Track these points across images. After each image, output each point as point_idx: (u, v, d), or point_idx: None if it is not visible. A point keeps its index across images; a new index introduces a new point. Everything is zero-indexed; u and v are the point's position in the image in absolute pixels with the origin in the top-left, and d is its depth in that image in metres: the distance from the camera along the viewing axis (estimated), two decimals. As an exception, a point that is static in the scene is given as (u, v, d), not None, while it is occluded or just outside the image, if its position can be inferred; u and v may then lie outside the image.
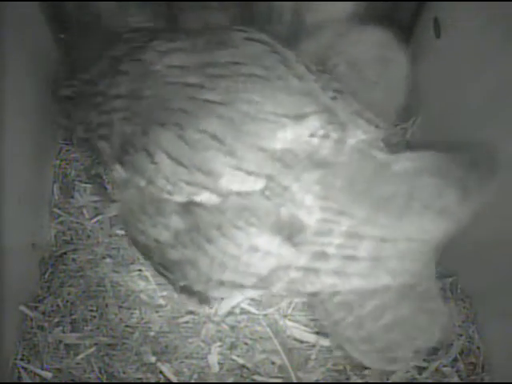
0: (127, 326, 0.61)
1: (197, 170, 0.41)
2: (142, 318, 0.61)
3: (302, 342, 0.61)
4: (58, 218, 0.68)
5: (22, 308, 0.59)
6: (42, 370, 0.57)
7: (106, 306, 0.62)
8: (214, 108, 0.42)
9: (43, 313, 0.60)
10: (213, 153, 0.41)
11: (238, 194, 0.41)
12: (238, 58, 0.45)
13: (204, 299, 0.48)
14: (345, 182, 0.42)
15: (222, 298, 0.61)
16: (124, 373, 0.58)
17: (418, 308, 0.47)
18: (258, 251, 0.43)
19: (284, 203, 0.41)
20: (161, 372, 0.58)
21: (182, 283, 0.47)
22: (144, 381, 0.57)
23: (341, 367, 0.59)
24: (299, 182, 0.42)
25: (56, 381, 0.57)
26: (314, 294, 0.48)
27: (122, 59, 0.47)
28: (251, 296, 0.62)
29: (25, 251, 0.61)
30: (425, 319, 0.48)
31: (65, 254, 0.65)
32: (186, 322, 0.61)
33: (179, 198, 0.42)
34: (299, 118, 0.42)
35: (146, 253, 0.47)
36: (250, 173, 0.41)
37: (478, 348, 0.60)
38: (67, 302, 0.62)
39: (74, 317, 0.61)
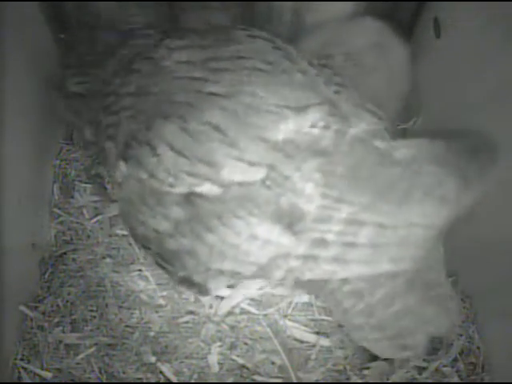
0: (127, 326, 0.61)
1: (198, 161, 0.41)
2: (142, 318, 0.61)
3: (302, 341, 0.61)
4: (58, 218, 0.68)
5: (22, 308, 0.59)
6: (42, 370, 0.57)
7: (106, 306, 0.62)
8: (217, 100, 0.42)
9: (43, 313, 0.60)
10: (215, 144, 0.41)
11: (240, 184, 0.41)
12: (241, 53, 0.45)
13: (203, 290, 0.48)
14: (345, 170, 0.42)
15: (222, 298, 0.61)
16: (124, 373, 0.58)
17: (427, 295, 0.47)
18: (257, 240, 0.43)
19: (284, 192, 0.42)
20: (161, 372, 0.58)
21: (180, 273, 0.47)
22: (144, 381, 0.57)
23: (341, 367, 0.59)
24: (300, 171, 0.42)
25: (56, 381, 0.57)
26: (321, 284, 0.47)
27: (134, 58, 0.47)
28: (251, 296, 0.62)
29: (25, 251, 0.61)
30: (435, 306, 0.48)
31: (65, 254, 0.65)
32: (186, 322, 0.61)
33: (180, 190, 0.42)
34: (301, 109, 0.42)
35: (145, 244, 0.47)
36: (251, 163, 0.41)
37: (478, 348, 0.60)
38: (67, 301, 0.62)
39: (73, 317, 0.61)
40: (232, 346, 0.60)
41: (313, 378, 0.58)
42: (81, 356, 0.58)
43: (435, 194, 0.43)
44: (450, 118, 0.64)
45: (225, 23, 0.72)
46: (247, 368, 0.59)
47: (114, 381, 0.57)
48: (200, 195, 0.42)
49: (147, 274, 0.64)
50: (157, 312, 0.62)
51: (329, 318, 0.62)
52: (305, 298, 0.63)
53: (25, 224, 0.61)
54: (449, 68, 0.64)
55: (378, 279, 0.46)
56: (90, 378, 0.57)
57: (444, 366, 0.59)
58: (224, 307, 0.61)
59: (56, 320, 0.60)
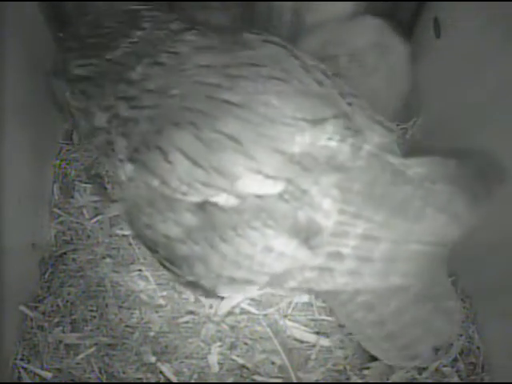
0: (127, 326, 0.61)
1: (214, 171, 0.41)
2: (142, 318, 0.61)
3: (302, 341, 0.61)
4: (58, 218, 0.68)
5: (22, 308, 0.59)
6: (42, 370, 0.57)
7: (106, 306, 0.62)
8: (231, 109, 0.41)
9: (43, 313, 0.60)
10: (231, 154, 0.40)
11: (257, 196, 0.41)
12: (256, 60, 0.44)
13: (211, 294, 0.48)
14: (361, 186, 0.42)
15: (222, 298, 0.61)
16: (124, 373, 0.58)
17: (436, 308, 0.49)
18: (272, 251, 0.43)
19: (302, 206, 0.41)
20: (161, 372, 0.58)
21: (189, 278, 0.46)
22: (144, 381, 0.58)
23: (341, 367, 0.59)
24: (318, 185, 0.41)
25: (56, 381, 0.57)
26: (333, 295, 0.49)
27: (155, 46, 0.45)
28: (251, 296, 0.62)
29: (25, 251, 0.61)
30: (442, 318, 0.49)
31: (65, 254, 0.65)
32: (186, 322, 0.61)
33: (194, 199, 0.42)
34: (318, 122, 0.42)
35: (152, 247, 0.46)
36: (268, 176, 0.41)
37: (478, 348, 0.60)
38: (67, 302, 0.62)
39: (73, 317, 0.61)
40: (232, 346, 0.60)
41: (313, 378, 0.58)
42: (81, 356, 0.58)
43: (446, 212, 0.44)
44: (450, 118, 0.64)
45: (225, 23, 0.72)
46: (247, 368, 0.59)
47: (114, 381, 0.57)
48: (215, 204, 0.42)
49: (147, 273, 0.64)
50: (157, 312, 0.62)
51: (329, 318, 0.62)
52: (305, 298, 0.63)
53: (25, 224, 0.61)
54: (449, 68, 0.65)
55: (389, 292, 0.47)
56: (90, 378, 0.57)
57: (444, 365, 0.59)
58: (224, 307, 0.61)
59: (56, 320, 0.60)
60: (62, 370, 0.57)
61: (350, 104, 0.45)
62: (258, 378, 0.58)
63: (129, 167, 0.44)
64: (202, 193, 0.41)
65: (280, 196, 0.41)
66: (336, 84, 0.46)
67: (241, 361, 0.59)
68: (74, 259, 0.65)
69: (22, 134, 0.61)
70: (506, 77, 0.52)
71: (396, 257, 0.44)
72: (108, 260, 0.65)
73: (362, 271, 0.44)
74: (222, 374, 0.58)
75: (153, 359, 0.58)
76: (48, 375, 0.57)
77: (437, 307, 0.49)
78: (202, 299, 0.62)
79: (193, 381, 0.58)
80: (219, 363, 0.59)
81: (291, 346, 0.60)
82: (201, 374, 0.58)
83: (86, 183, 0.71)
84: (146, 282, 0.63)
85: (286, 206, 0.41)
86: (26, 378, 0.56)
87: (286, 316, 0.62)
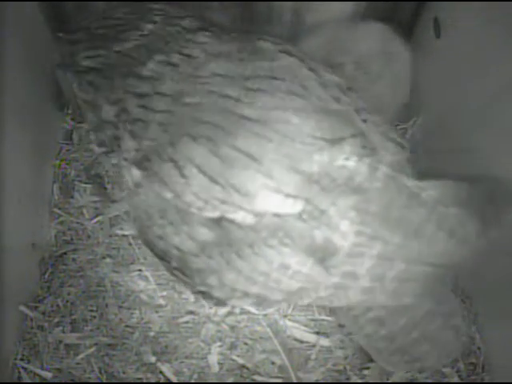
0: (127, 326, 0.61)
1: (232, 188, 0.40)
2: (142, 318, 0.61)
3: (302, 341, 0.61)
4: (58, 218, 0.68)
5: (22, 308, 0.59)
6: (42, 370, 0.57)
7: (106, 306, 0.62)
8: (250, 125, 0.41)
9: (43, 313, 0.60)
10: (250, 173, 0.40)
11: (274, 214, 0.41)
12: (274, 73, 0.43)
13: (222, 303, 0.48)
14: (379, 209, 0.43)
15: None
16: (124, 373, 0.58)
17: (443, 324, 0.50)
18: (288, 269, 0.43)
19: (319, 226, 0.41)
20: (161, 372, 0.58)
21: (201, 288, 0.46)
22: (144, 381, 0.58)
23: (341, 367, 0.59)
24: (336, 206, 0.42)
25: (56, 381, 0.57)
26: (345, 310, 0.50)
27: (167, 43, 0.44)
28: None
29: (25, 251, 0.61)
30: (450, 334, 0.51)
31: (65, 253, 0.65)
32: (186, 322, 0.61)
33: (210, 214, 0.41)
34: (336, 141, 0.42)
35: (163, 257, 0.46)
36: (288, 195, 0.41)
37: (479, 348, 0.60)
38: (67, 301, 0.62)
39: (74, 317, 0.61)
40: (232, 346, 0.60)
41: (313, 378, 0.58)
42: (81, 356, 0.58)
43: (458, 236, 0.45)
44: (450, 118, 0.64)
45: (224, 23, 0.72)
46: (247, 368, 0.59)
47: (114, 381, 0.57)
48: (232, 221, 0.41)
49: (147, 274, 0.64)
50: (157, 312, 0.62)
51: (329, 318, 0.62)
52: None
53: (25, 224, 0.61)
54: (449, 68, 0.64)
55: (400, 309, 0.48)
56: (90, 378, 0.57)
57: (444, 366, 0.59)
58: (224, 307, 0.61)
59: (56, 320, 0.60)
60: (62, 370, 0.57)
61: (365, 121, 0.45)
62: (258, 378, 0.58)
63: (137, 173, 0.44)
64: (218, 209, 0.41)
65: (298, 215, 0.41)
66: (352, 100, 0.46)
67: (241, 361, 0.59)
68: (74, 259, 0.65)
69: (22, 133, 0.61)
70: (506, 77, 0.52)
71: (408, 277, 0.45)
72: (108, 260, 0.65)
73: (375, 290, 0.44)
74: (222, 374, 0.58)
75: (153, 359, 0.58)
76: (48, 375, 0.57)
77: (445, 324, 0.50)
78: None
79: (193, 381, 0.58)
80: (219, 363, 0.59)
81: (291, 345, 0.60)
82: (201, 373, 0.58)
83: (86, 183, 0.71)
84: (146, 281, 0.63)
85: (303, 225, 0.41)
86: (25, 378, 0.56)
87: (285, 316, 0.62)
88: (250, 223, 0.41)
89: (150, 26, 0.45)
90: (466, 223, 0.45)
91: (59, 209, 0.68)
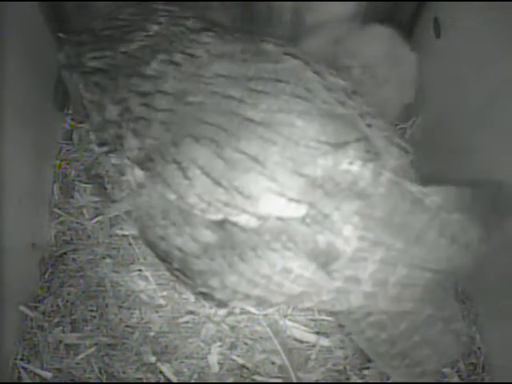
0: (127, 326, 0.61)
1: (236, 191, 0.40)
2: (142, 318, 0.61)
3: (302, 342, 0.61)
4: (58, 218, 0.68)
5: (22, 308, 0.59)
6: (42, 370, 0.57)
7: (106, 306, 0.62)
8: (254, 128, 0.41)
9: (43, 313, 0.60)
10: (254, 176, 0.40)
11: (278, 218, 0.41)
12: (279, 75, 0.43)
13: (222, 305, 0.48)
14: (382, 214, 0.43)
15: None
16: (124, 373, 0.58)
17: (444, 329, 0.50)
18: (290, 273, 0.43)
19: (322, 231, 0.41)
20: (161, 372, 0.58)
21: (202, 290, 0.46)
22: (144, 381, 0.58)
23: (341, 367, 0.59)
24: (339, 211, 0.41)
25: (56, 381, 0.57)
26: (346, 313, 0.50)
27: (170, 44, 0.44)
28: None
29: (25, 251, 0.61)
30: (450, 339, 0.50)
31: (65, 253, 0.65)
32: (186, 322, 0.61)
33: (213, 217, 0.41)
34: (340, 146, 0.42)
35: (165, 258, 0.46)
36: (292, 199, 0.41)
37: (479, 348, 0.60)
38: (67, 301, 0.62)
39: (73, 317, 0.61)
40: (232, 346, 0.60)
41: (313, 378, 0.58)
42: (81, 356, 0.58)
43: (459, 242, 0.45)
44: (450, 118, 0.64)
45: (224, 23, 0.72)
46: (247, 368, 0.59)
47: (114, 381, 0.57)
48: (235, 224, 0.41)
49: (147, 274, 0.64)
50: (157, 312, 0.62)
51: (329, 318, 0.62)
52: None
53: (25, 224, 0.61)
54: (449, 68, 0.64)
55: (401, 313, 0.48)
56: (90, 378, 0.57)
57: (444, 366, 0.59)
58: (224, 309, 0.61)
59: (56, 320, 0.60)
60: (61, 370, 0.57)
61: (369, 125, 0.45)
62: (258, 378, 0.58)
63: (139, 173, 0.44)
64: (222, 212, 0.41)
65: (302, 219, 0.41)
66: (356, 104, 0.45)
67: (241, 361, 0.59)
68: (74, 259, 0.65)
69: (22, 133, 0.61)
70: (506, 77, 0.52)
71: (410, 283, 0.45)
72: (108, 260, 0.65)
73: (377, 295, 0.44)
74: (222, 374, 0.58)
75: (153, 359, 0.58)
76: (48, 375, 0.57)
77: (445, 329, 0.50)
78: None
79: (193, 381, 0.58)
80: (219, 363, 0.59)
81: (291, 345, 0.60)
82: (201, 373, 0.58)
83: (86, 183, 0.71)
84: (146, 281, 0.63)
85: (306, 229, 0.41)
86: (26, 378, 0.56)
87: (285, 316, 0.62)
88: (253, 226, 0.41)
89: (155, 27, 0.45)
90: (468, 229, 0.45)
91: (59, 209, 0.68)
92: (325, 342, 0.60)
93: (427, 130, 0.71)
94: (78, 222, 0.68)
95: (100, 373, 0.57)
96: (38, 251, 0.64)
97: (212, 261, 0.43)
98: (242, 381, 0.58)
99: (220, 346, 0.60)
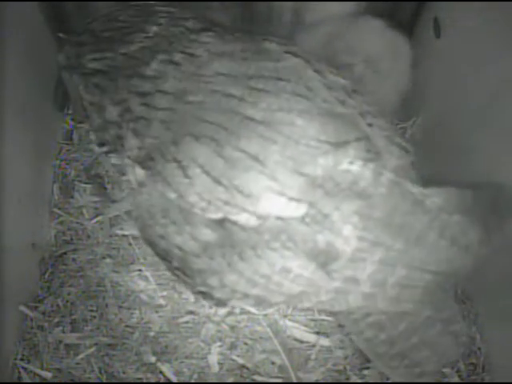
0: (127, 326, 0.61)
1: (236, 190, 0.40)
2: (142, 318, 0.61)
3: (302, 342, 0.61)
4: (58, 218, 0.68)
5: (22, 308, 0.59)
6: (42, 370, 0.57)
7: (106, 306, 0.62)
8: (254, 127, 0.41)
9: (43, 313, 0.60)
10: (254, 175, 0.40)
11: (278, 217, 0.41)
12: (280, 73, 0.43)
13: (222, 304, 0.48)
14: (382, 215, 0.43)
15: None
16: (124, 373, 0.58)
17: (443, 330, 0.50)
18: (290, 273, 0.43)
19: (322, 231, 0.41)
20: (161, 372, 0.58)
21: (201, 289, 0.46)
22: (144, 381, 0.58)
23: (341, 367, 0.59)
24: (339, 211, 0.41)
25: (56, 381, 0.57)
26: (345, 314, 0.50)
27: (170, 45, 0.44)
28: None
29: (25, 251, 0.61)
30: (449, 340, 0.50)
31: (65, 253, 0.65)
32: (186, 322, 0.61)
33: (213, 215, 0.41)
34: (340, 145, 0.42)
35: (165, 256, 0.46)
36: (292, 199, 0.41)
37: (479, 349, 0.60)
38: (67, 301, 0.62)
39: (74, 317, 0.61)
40: (232, 346, 0.60)
41: (313, 378, 0.58)
42: (81, 356, 0.58)
43: (459, 244, 0.45)
44: (450, 118, 0.64)
45: (224, 23, 0.72)
46: (247, 368, 0.59)
47: (114, 381, 0.57)
48: (235, 223, 0.41)
49: (147, 274, 0.64)
50: (157, 312, 0.62)
51: (329, 318, 0.62)
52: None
53: (25, 224, 0.61)
54: (449, 68, 0.64)
55: (400, 314, 0.48)
56: (90, 378, 0.57)
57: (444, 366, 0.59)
58: (224, 307, 0.61)
59: (56, 320, 0.60)
60: (61, 370, 0.57)
61: (370, 125, 0.45)
62: (258, 378, 0.58)
63: (140, 172, 0.44)
64: (222, 210, 0.41)
65: (301, 219, 0.41)
66: (357, 103, 0.45)
67: (241, 361, 0.59)
68: (74, 259, 0.65)
69: (22, 133, 0.61)
70: (506, 77, 0.52)
71: (409, 284, 0.45)
72: (108, 260, 0.65)
73: (375, 296, 0.44)
74: (222, 374, 0.58)
75: (153, 359, 0.58)
76: (48, 375, 0.57)
77: (444, 330, 0.50)
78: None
79: (193, 381, 0.58)
80: (219, 363, 0.59)
81: (291, 345, 0.60)
82: (201, 373, 0.58)
83: (86, 183, 0.71)
84: (146, 281, 0.63)
85: (306, 229, 0.41)
86: (26, 378, 0.56)
87: (285, 316, 0.62)
88: (253, 225, 0.41)
89: (154, 28, 0.45)
90: (468, 231, 0.45)
91: (59, 209, 0.68)
92: (325, 341, 0.60)
93: (427, 130, 0.71)
94: (77, 222, 0.68)
95: (100, 373, 0.57)
96: (38, 251, 0.64)
97: (211, 260, 0.43)
98: (242, 381, 0.58)
99: (220, 346, 0.60)
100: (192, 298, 0.62)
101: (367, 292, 0.44)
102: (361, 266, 0.43)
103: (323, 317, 0.62)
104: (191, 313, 0.62)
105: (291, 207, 0.41)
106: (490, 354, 0.59)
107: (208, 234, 0.42)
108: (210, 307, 0.62)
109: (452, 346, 0.51)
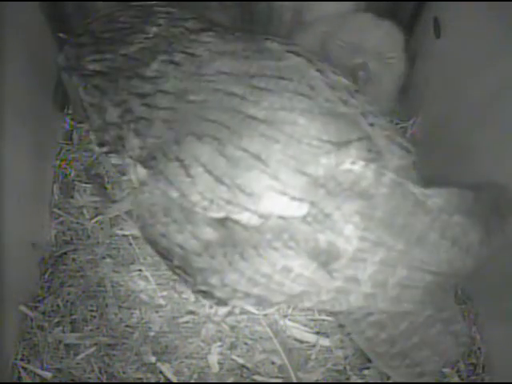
0: (127, 326, 0.61)
1: (238, 189, 0.40)
2: (142, 318, 0.61)
3: (302, 342, 0.61)
4: (58, 218, 0.68)
5: (22, 308, 0.59)
6: (42, 370, 0.57)
7: (106, 306, 0.62)
8: (256, 126, 0.41)
9: (43, 313, 0.60)
10: (256, 174, 0.40)
11: (280, 217, 0.41)
12: (282, 72, 0.43)
13: (222, 303, 0.48)
14: (384, 215, 0.43)
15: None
16: (124, 373, 0.58)
17: (444, 330, 0.50)
18: (291, 272, 0.43)
19: (324, 230, 0.41)
20: (161, 372, 0.58)
21: (202, 288, 0.46)
22: (144, 381, 0.58)
23: (341, 367, 0.59)
24: (340, 210, 0.41)
25: (56, 381, 0.57)
26: (346, 313, 0.50)
27: (170, 44, 0.44)
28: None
29: (25, 251, 0.61)
30: (450, 340, 0.50)
31: (65, 253, 0.65)
32: (186, 322, 0.61)
33: (215, 214, 0.41)
34: (342, 145, 0.42)
35: (165, 255, 0.46)
36: (294, 198, 0.41)
37: (479, 349, 0.60)
38: (67, 301, 0.62)
39: (74, 317, 0.61)
40: (232, 346, 0.60)
41: (313, 378, 0.58)
42: (81, 356, 0.58)
43: (461, 244, 0.45)
44: (450, 118, 0.64)
45: (225, 23, 0.72)
46: (247, 368, 0.59)
47: (114, 381, 0.57)
48: (237, 222, 0.41)
49: (147, 274, 0.64)
50: (157, 312, 0.62)
51: (329, 318, 0.62)
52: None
53: (25, 224, 0.61)
54: (449, 68, 0.64)
55: (400, 314, 0.48)
56: (89, 378, 0.57)
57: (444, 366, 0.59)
58: (224, 307, 0.61)
59: (56, 320, 0.60)
60: (61, 370, 0.57)
61: (371, 125, 0.45)
62: (258, 378, 0.58)
63: (141, 171, 0.44)
64: (224, 209, 0.41)
65: (303, 218, 0.41)
66: (359, 102, 0.45)
67: (241, 361, 0.59)
68: (74, 259, 0.65)
69: (22, 134, 0.61)
70: (506, 77, 0.52)
71: (410, 284, 0.45)
72: (108, 260, 0.65)
73: (376, 296, 0.44)
74: (222, 374, 0.58)
75: (153, 359, 0.58)
76: (48, 375, 0.57)
77: (445, 330, 0.50)
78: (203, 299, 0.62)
79: (193, 381, 0.58)
80: (219, 363, 0.59)
81: (291, 345, 0.60)
82: (201, 373, 0.58)
83: (86, 183, 0.71)
84: (146, 281, 0.63)
85: (308, 228, 0.41)
86: (25, 378, 0.56)
87: (285, 316, 0.62)
88: (254, 224, 0.41)
89: (154, 29, 0.45)
90: (469, 232, 0.45)
91: (59, 209, 0.68)
92: (325, 341, 0.60)
93: (427, 130, 0.71)
94: (78, 222, 0.68)
95: (100, 373, 0.57)
96: (38, 251, 0.64)
97: (213, 259, 0.43)
98: (242, 381, 0.58)
99: (220, 346, 0.60)
100: (192, 297, 0.62)
101: (368, 292, 0.44)
102: (362, 266, 0.43)
103: (323, 317, 0.62)
104: (191, 313, 0.62)
105: (293, 206, 0.41)
106: (490, 354, 0.59)
107: (209, 233, 0.42)
108: (211, 307, 0.62)
109: (452, 346, 0.51)
